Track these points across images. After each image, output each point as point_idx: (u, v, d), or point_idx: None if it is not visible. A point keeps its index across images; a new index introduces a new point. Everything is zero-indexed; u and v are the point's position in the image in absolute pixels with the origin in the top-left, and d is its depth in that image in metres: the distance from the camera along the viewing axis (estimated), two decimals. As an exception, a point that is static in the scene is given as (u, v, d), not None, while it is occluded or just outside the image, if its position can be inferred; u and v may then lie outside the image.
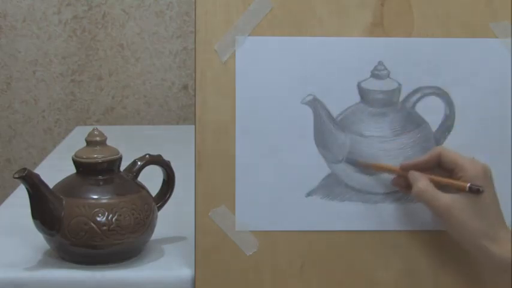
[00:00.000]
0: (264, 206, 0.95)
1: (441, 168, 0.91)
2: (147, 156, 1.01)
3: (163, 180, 1.03)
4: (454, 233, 0.89)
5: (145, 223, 0.96)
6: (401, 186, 0.93)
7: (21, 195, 1.06)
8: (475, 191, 0.86)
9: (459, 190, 0.87)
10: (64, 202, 0.94)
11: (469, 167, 0.88)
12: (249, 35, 0.94)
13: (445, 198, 0.87)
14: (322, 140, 0.95)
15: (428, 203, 0.89)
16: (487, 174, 0.88)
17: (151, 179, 1.02)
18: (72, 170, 0.98)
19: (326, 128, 0.95)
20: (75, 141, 1.36)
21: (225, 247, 0.94)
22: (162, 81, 2.02)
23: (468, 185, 0.87)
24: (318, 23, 0.95)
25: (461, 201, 0.87)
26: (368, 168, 0.94)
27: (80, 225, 0.93)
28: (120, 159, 0.98)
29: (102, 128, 1.00)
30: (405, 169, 0.92)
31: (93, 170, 0.96)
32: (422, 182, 0.89)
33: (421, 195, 0.89)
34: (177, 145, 1.34)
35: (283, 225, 0.95)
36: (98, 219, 0.93)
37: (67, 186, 0.96)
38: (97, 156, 0.96)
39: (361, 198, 0.95)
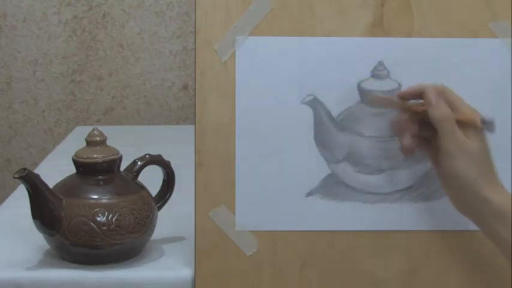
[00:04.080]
0: (264, 206, 0.95)
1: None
2: (147, 156, 1.01)
3: (163, 180, 1.03)
4: (459, 173, 0.87)
5: (145, 223, 0.96)
6: (398, 126, 0.92)
7: (21, 195, 1.06)
8: (488, 124, 0.87)
9: (470, 126, 0.87)
10: (64, 202, 0.94)
11: (466, 107, 0.88)
12: (249, 35, 0.94)
13: (462, 133, 0.87)
14: (322, 140, 0.95)
15: (448, 132, 0.87)
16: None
17: (151, 179, 1.02)
18: (72, 170, 0.98)
19: (326, 128, 0.95)
20: (75, 141, 1.36)
21: (225, 247, 0.94)
22: (162, 81, 2.02)
23: (480, 117, 0.87)
24: (318, 23, 0.95)
25: (475, 138, 0.87)
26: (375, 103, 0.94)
27: (80, 225, 0.93)
28: (120, 159, 0.98)
29: (102, 128, 1.00)
30: (404, 97, 0.91)
31: (93, 170, 0.96)
32: (446, 109, 0.87)
33: (444, 121, 0.87)
34: (177, 145, 1.34)
35: (283, 225, 0.95)
36: (98, 219, 0.93)
37: (67, 186, 0.96)
38: (97, 156, 0.96)
39: (361, 198, 0.95)
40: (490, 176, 0.87)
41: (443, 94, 0.89)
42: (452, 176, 0.88)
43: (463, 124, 0.87)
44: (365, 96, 0.95)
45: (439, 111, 0.88)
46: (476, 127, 0.87)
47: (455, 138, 0.87)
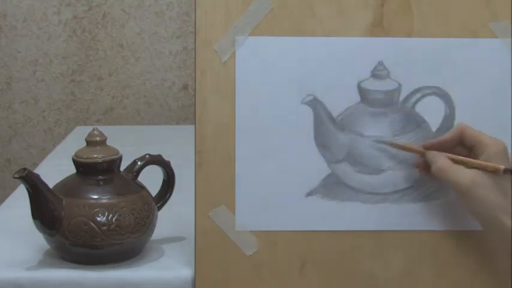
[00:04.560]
0: (264, 206, 0.95)
1: (462, 146, 0.92)
2: (147, 156, 1.01)
3: (163, 180, 1.03)
4: (473, 208, 0.89)
5: (145, 223, 0.96)
6: (421, 168, 0.94)
7: (21, 195, 1.06)
8: (509, 172, 0.87)
9: (487, 171, 0.88)
10: (64, 202, 0.94)
11: (490, 144, 0.89)
12: (249, 35, 0.94)
13: (467, 175, 0.88)
14: (322, 140, 0.95)
15: (448, 181, 0.89)
16: (506, 152, 0.89)
17: (151, 179, 1.02)
18: (72, 170, 0.98)
19: (326, 128, 0.95)
20: (75, 141, 1.36)
21: (225, 247, 0.94)
22: (162, 81, 2.02)
23: (502, 167, 0.87)
24: (318, 23, 0.95)
25: (483, 177, 0.87)
26: (390, 147, 0.94)
27: (80, 225, 0.93)
28: (120, 159, 0.98)
29: (102, 128, 1.00)
30: (428, 148, 0.93)
31: (93, 170, 0.96)
32: (441, 161, 0.90)
33: (441, 173, 0.90)
34: (177, 145, 1.34)
35: (283, 225, 0.95)
36: (98, 219, 0.93)
37: (67, 186, 0.96)
38: (97, 156, 0.96)
39: (361, 198, 0.95)
40: (507, 204, 0.87)
41: (462, 133, 0.91)
42: (467, 210, 0.91)
43: (485, 169, 0.88)
44: (365, 96, 0.95)
45: (434, 166, 0.90)
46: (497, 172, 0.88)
47: (459, 183, 0.88)
